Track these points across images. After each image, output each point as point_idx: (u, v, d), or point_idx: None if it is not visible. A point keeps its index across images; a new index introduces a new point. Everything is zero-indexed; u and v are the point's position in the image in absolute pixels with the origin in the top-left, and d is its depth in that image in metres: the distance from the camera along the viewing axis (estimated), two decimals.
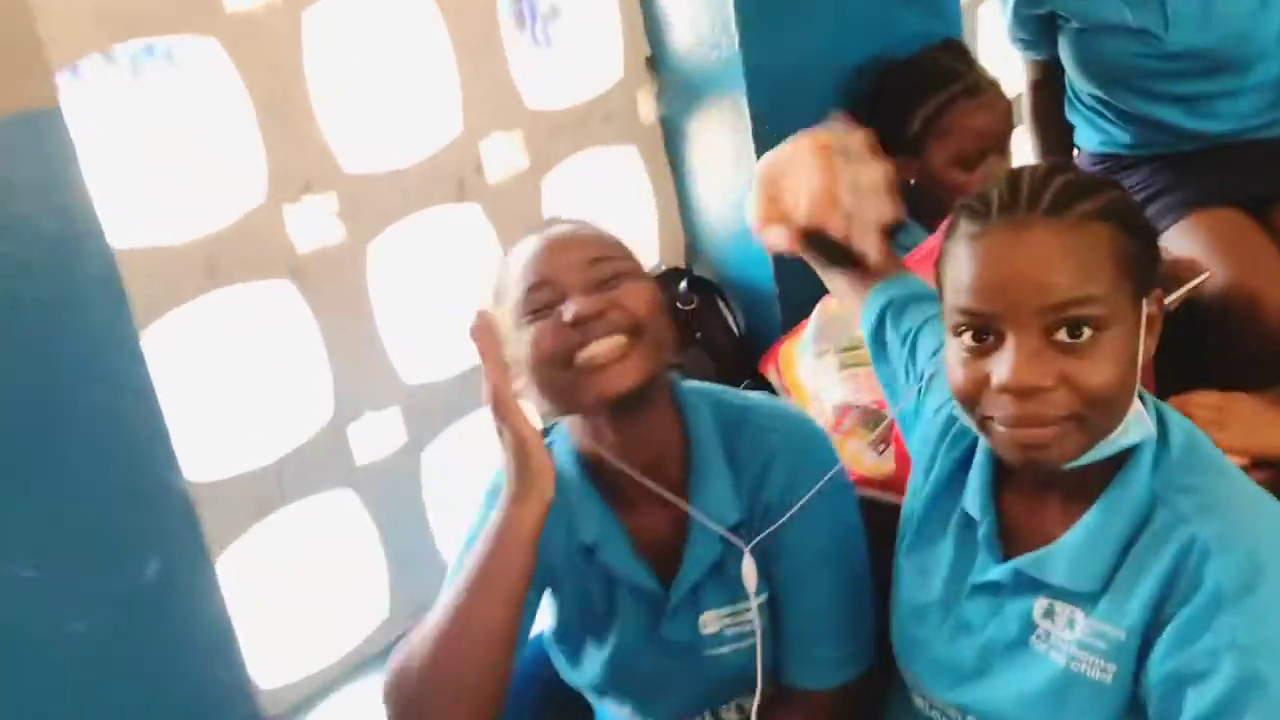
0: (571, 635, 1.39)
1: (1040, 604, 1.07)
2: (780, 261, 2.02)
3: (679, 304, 2.03)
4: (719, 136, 2.03)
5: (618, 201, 2.06)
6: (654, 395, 1.25)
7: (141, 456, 1.34)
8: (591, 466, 1.31)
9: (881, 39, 2.05)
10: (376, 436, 1.75)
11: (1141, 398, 1.06)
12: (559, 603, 1.38)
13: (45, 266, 1.23)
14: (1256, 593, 0.96)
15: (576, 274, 1.23)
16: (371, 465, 1.74)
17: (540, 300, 1.22)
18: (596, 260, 1.23)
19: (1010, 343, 0.99)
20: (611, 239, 1.28)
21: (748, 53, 1.94)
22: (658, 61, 2.05)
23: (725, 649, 1.32)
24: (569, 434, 1.32)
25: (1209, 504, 1.02)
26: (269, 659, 1.68)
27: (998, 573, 1.09)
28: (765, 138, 1.98)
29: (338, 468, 1.71)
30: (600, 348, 1.19)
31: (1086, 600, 1.04)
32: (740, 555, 1.28)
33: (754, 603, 1.28)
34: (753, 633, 1.30)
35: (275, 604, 2.02)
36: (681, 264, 2.15)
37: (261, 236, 1.60)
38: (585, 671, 1.38)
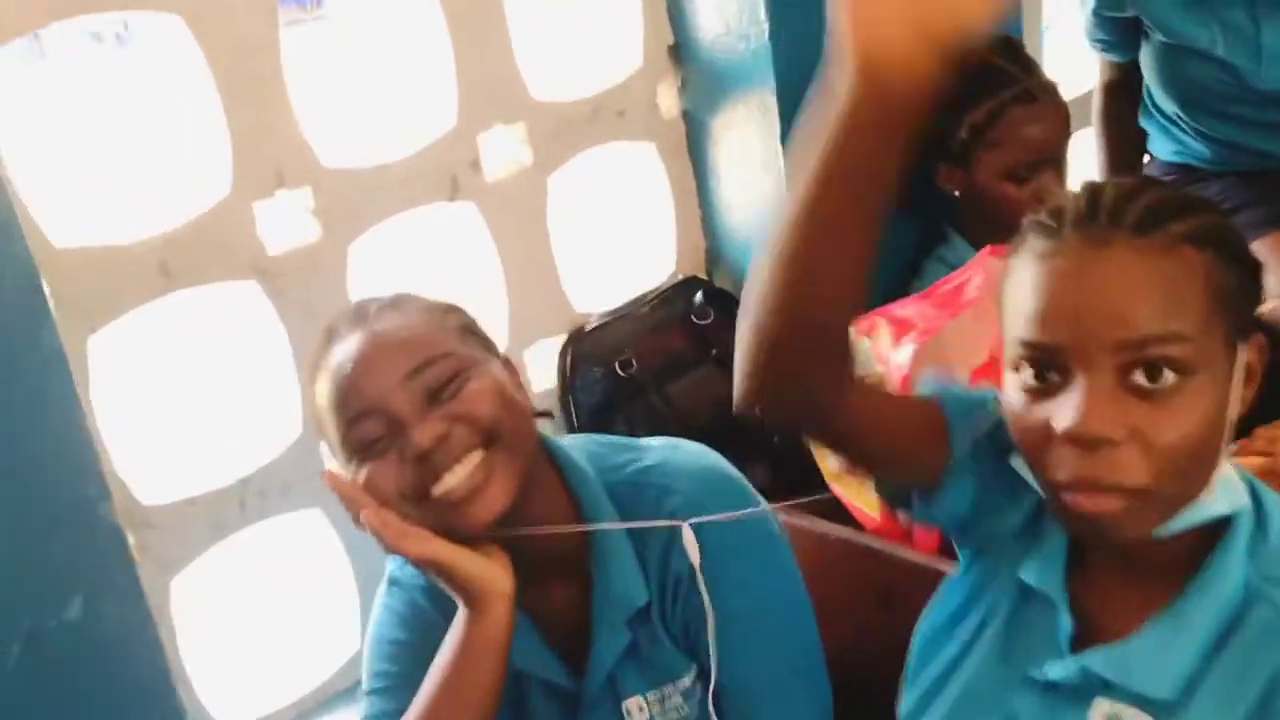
0: None
1: (1101, 707, 0.88)
2: None
3: (694, 317, 1.86)
4: (746, 135, 1.85)
5: (632, 204, 1.90)
6: (528, 488, 1.07)
7: (65, 482, 1.20)
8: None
9: None
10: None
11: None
12: None
13: None
14: None
15: (403, 394, 1.03)
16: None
17: (367, 435, 1.04)
18: (421, 368, 1.04)
19: (1078, 382, 0.82)
20: (432, 324, 1.08)
21: (779, 44, 1.76)
22: (681, 51, 1.88)
23: None
24: None
25: None
26: (227, 695, 1.55)
27: (1063, 670, 0.90)
28: (795, 142, 1.80)
29: (306, 487, 1.56)
30: (456, 479, 1.03)
31: (1166, 709, 0.86)
32: (654, 637, 1.14)
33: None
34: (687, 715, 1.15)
35: (235, 635, 1.88)
36: (701, 273, 1.97)
37: (226, 235, 1.45)
38: None
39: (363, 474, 1.04)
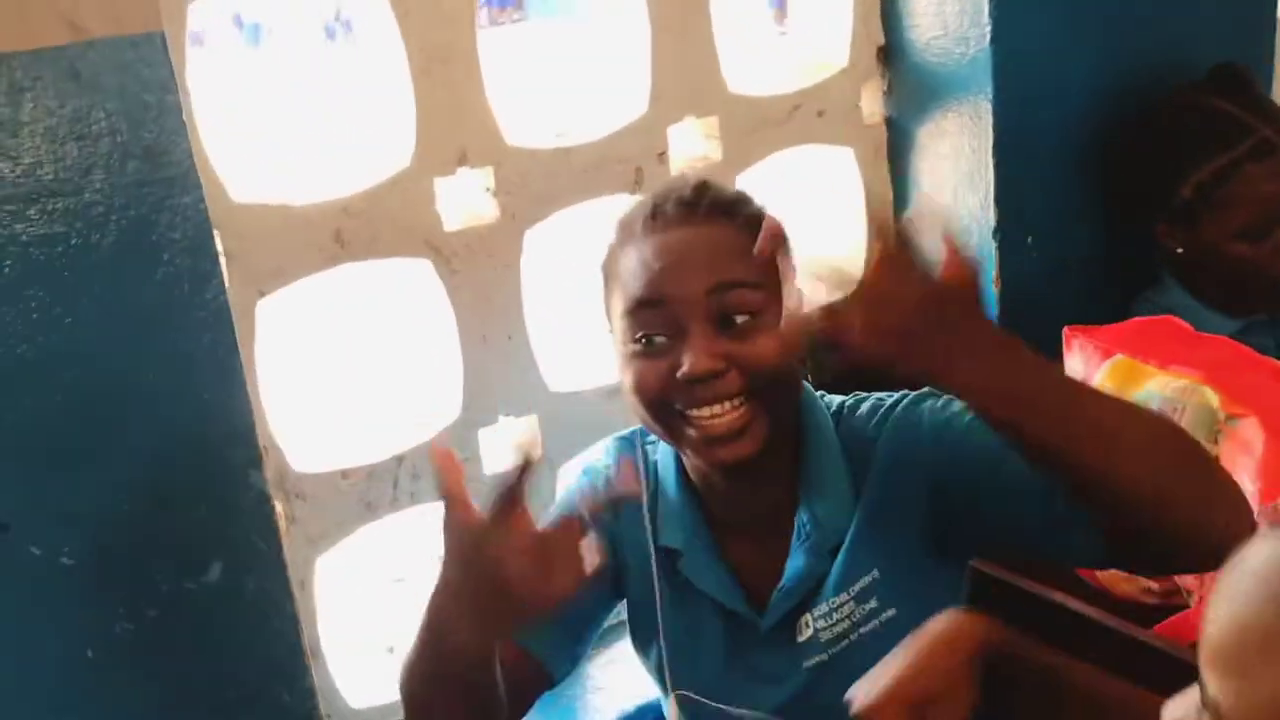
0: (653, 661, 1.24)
1: None
2: (1009, 304, 1.72)
3: None
4: (956, 146, 1.72)
5: (823, 209, 1.80)
6: (778, 441, 1.09)
7: (217, 447, 1.17)
8: (688, 477, 1.19)
9: (1168, 54, 1.70)
10: (510, 445, 1.54)
11: None
12: (633, 618, 1.25)
13: (123, 216, 1.07)
14: None
15: (695, 305, 1.04)
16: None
17: (649, 323, 1.06)
18: (725, 287, 1.04)
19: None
20: (745, 237, 1.05)
21: (1000, 51, 1.63)
22: (891, 53, 1.76)
23: (832, 651, 1.14)
24: None
25: None
26: (360, 679, 1.52)
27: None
28: (1008, 156, 1.67)
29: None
30: (714, 417, 1.04)
31: None
32: (845, 560, 1.13)
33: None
34: (866, 628, 1.13)
35: (374, 619, 1.86)
36: None
37: (402, 208, 1.41)
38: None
39: (631, 362, 1.07)
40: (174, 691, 1.19)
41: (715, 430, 1.05)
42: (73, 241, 1.06)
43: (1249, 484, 1.18)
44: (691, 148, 1.64)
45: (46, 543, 1.09)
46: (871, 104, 1.78)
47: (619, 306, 1.09)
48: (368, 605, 1.82)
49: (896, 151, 1.80)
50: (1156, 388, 1.31)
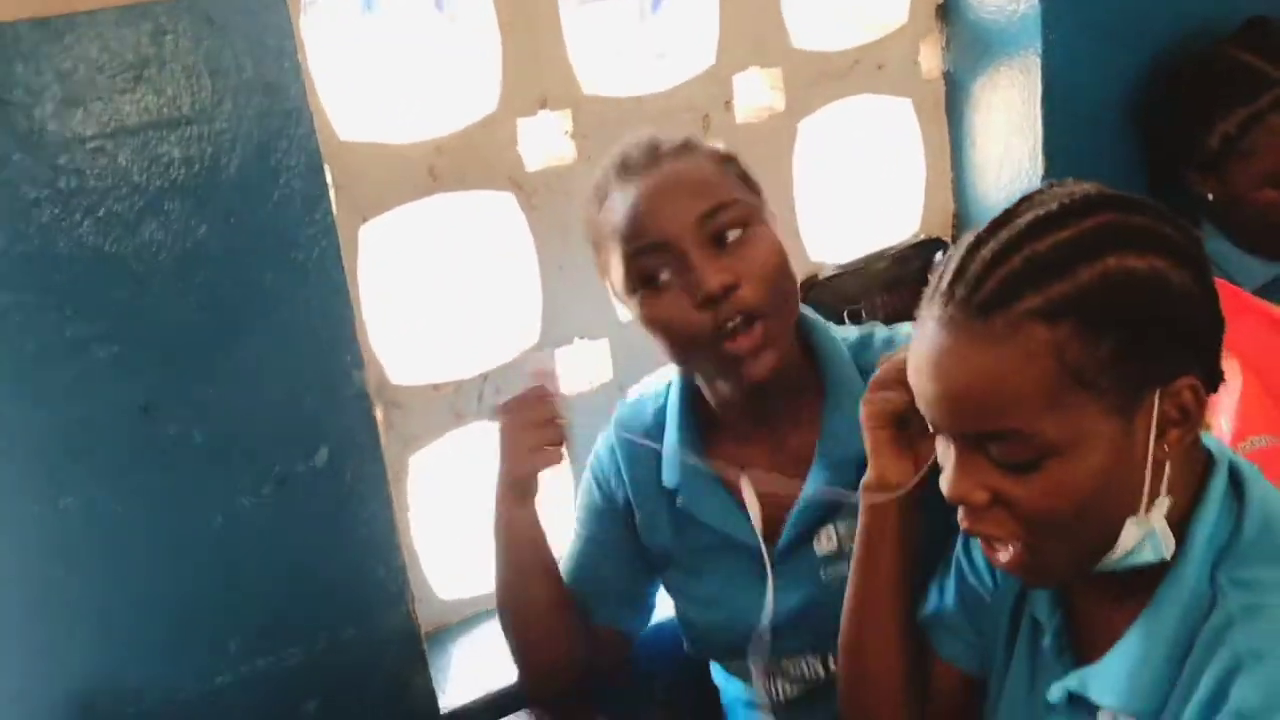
0: (676, 592, 1.37)
1: (1104, 717, 0.91)
2: None
3: (929, 275, 1.85)
4: (1008, 99, 1.83)
5: (882, 159, 1.91)
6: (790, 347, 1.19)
7: (325, 347, 1.34)
8: (698, 413, 1.28)
9: (1212, 9, 1.77)
10: (582, 367, 1.70)
11: (1217, 465, 0.88)
12: (655, 553, 1.36)
13: (248, 142, 1.25)
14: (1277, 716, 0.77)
15: (693, 234, 1.12)
16: (574, 396, 1.70)
17: (652, 266, 1.13)
18: (713, 211, 1.12)
19: (951, 453, 0.88)
20: (720, 170, 1.16)
21: (1048, 8, 1.73)
22: (949, 11, 1.87)
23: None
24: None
25: (1258, 604, 0.82)
26: (447, 569, 1.69)
27: (1057, 693, 0.94)
28: (1055, 108, 1.77)
29: None
30: (741, 342, 1.12)
31: (1145, 715, 0.87)
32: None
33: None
34: None
35: (462, 517, 2.03)
36: (945, 235, 1.96)
37: (489, 147, 1.57)
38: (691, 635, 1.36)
39: (645, 305, 1.15)
40: (286, 561, 1.37)
41: (742, 349, 1.12)
42: (206, 163, 1.24)
43: (1225, 422, 1.27)
44: (756, 97, 1.77)
45: (181, 423, 1.28)
46: (930, 59, 1.89)
47: (617, 262, 1.17)
48: (455, 505, 1.99)
49: (953, 104, 1.91)
50: None
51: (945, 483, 0.88)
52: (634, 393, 1.48)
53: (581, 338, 1.69)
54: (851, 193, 2.22)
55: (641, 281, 1.15)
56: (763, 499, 1.25)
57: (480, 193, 1.57)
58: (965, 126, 1.91)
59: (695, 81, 1.71)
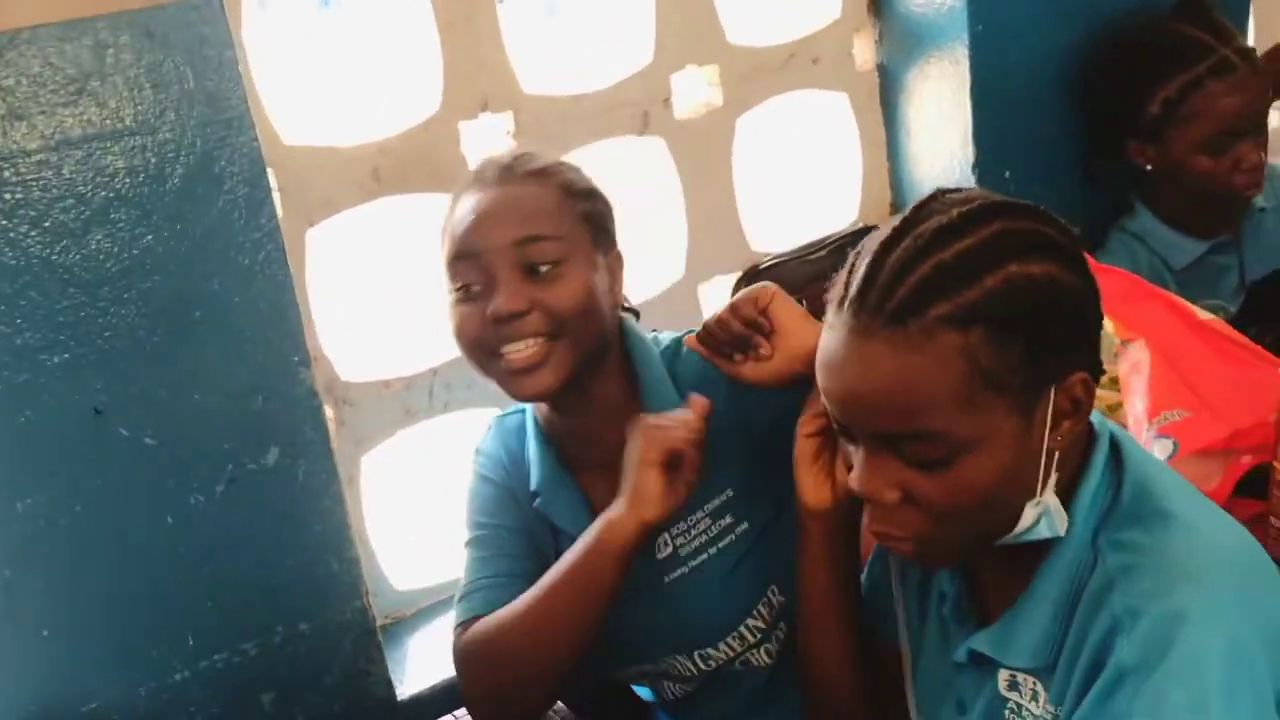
0: None
1: (1004, 676, 0.96)
2: None
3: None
4: (939, 90, 1.89)
5: (819, 151, 1.96)
6: (587, 376, 1.21)
7: (273, 348, 1.38)
8: (545, 426, 1.31)
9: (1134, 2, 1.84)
10: None
11: (1099, 438, 0.94)
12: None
13: (191, 151, 1.28)
14: (1157, 670, 0.81)
15: (505, 257, 1.16)
16: None
17: (465, 275, 1.18)
18: (528, 240, 1.16)
19: (860, 454, 0.91)
20: (551, 199, 1.19)
21: (975, 1, 1.78)
22: (880, 5, 1.92)
23: (691, 564, 1.27)
24: None
25: (1133, 564, 0.87)
26: (403, 562, 1.73)
27: (962, 653, 0.99)
28: (984, 97, 1.83)
29: (489, 386, 1.71)
30: (517, 352, 1.16)
31: (1044, 673, 0.93)
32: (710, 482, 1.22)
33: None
34: (725, 544, 1.26)
35: (412, 511, 2.07)
36: (882, 223, 2.01)
37: (432, 148, 1.61)
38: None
39: (453, 309, 1.20)
40: (240, 557, 1.40)
41: (517, 364, 1.17)
42: (150, 172, 1.27)
43: (1139, 402, 1.33)
44: (695, 94, 1.81)
45: (132, 425, 1.31)
46: (864, 52, 1.94)
47: (444, 261, 1.21)
48: (409, 497, 2.03)
49: (887, 96, 1.97)
50: None
51: (855, 481, 0.91)
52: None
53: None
54: (791, 184, 2.26)
55: (456, 286, 1.20)
56: (605, 504, 1.25)
57: (425, 195, 1.61)
58: (900, 117, 1.96)
59: (634, 79, 1.75)
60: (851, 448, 0.93)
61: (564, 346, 1.18)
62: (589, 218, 1.21)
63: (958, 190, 0.93)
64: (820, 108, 1.95)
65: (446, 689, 1.57)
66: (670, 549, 1.28)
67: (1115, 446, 0.95)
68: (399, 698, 1.55)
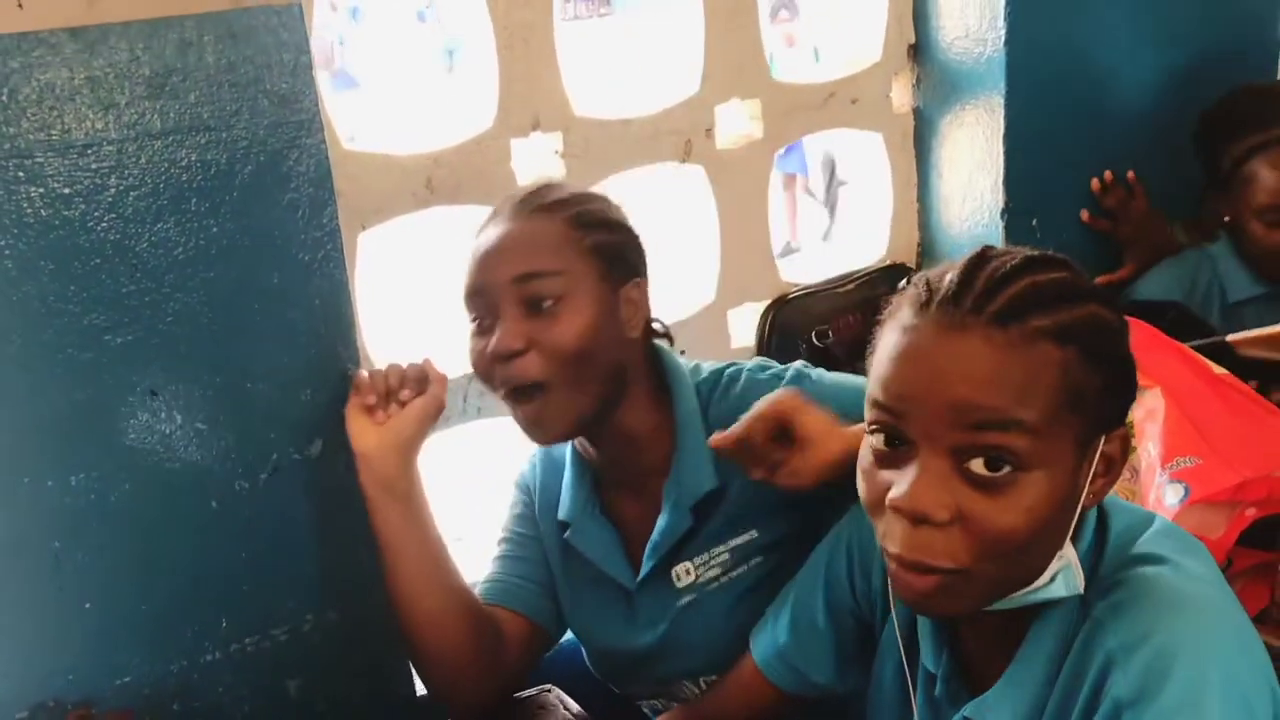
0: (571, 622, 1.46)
1: None
2: None
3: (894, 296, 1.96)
4: (972, 135, 1.95)
5: (853, 189, 2.02)
6: (607, 411, 1.25)
7: (325, 344, 1.42)
8: (582, 450, 1.36)
9: (1171, 58, 1.90)
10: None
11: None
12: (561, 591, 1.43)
13: (261, 150, 1.33)
14: (1155, 702, 0.83)
15: (505, 292, 1.21)
16: None
17: (476, 309, 1.24)
18: (528, 277, 1.20)
19: (919, 457, 0.87)
20: (554, 234, 1.22)
21: (1014, 51, 1.85)
22: (921, 50, 1.98)
23: (702, 591, 1.32)
24: None
25: (1122, 602, 0.88)
26: None
27: None
28: (1016, 146, 1.89)
29: None
30: (520, 410, 1.22)
31: None
32: (714, 520, 1.28)
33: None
34: (738, 574, 1.30)
35: (447, 511, 2.12)
36: (911, 263, 2.07)
37: (484, 163, 1.67)
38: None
39: (469, 341, 1.26)
40: (277, 544, 1.44)
41: (519, 418, 1.24)
42: (221, 167, 1.32)
43: (1153, 447, 1.38)
44: (736, 126, 1.87)
45: (185, 409, 1.35)
46: (902, 95, 2.00)
47: (461, 294, 1.28)
48: (440, 500, 2.07)
49: (922, 139, 2.03)
50: None
51: (905, 496, 0.86)
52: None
53: None
54: (824, 219, 2.32)
55: (471, 319, 1.26)
56: (635, 537, 1.34)
57: (474, 207, 1.66)
58: (932, 160, 2.02)
59: (680, 108, 1.81)
60: (890, 471, 0.89)
61: (562, 396, 1.21)
62: (600, 250, 1.24)
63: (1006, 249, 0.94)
64: (857, 147, 2.00)
65: None
66: (690, 579, 1.33)
67: (1100, 506, 0.97)
68: (419, 692, 1.59)
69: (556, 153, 1.72)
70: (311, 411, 1.43)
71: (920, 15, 1.96)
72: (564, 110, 1.71)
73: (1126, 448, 0.92)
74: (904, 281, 0.99)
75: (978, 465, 0.85)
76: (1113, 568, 0.93)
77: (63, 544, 1.32)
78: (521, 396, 1.23)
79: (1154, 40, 1.93)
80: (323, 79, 1.47)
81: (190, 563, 1.40)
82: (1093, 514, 0.96)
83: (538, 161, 1.71)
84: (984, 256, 0.91)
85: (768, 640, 1.23)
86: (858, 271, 1.99)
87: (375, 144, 1.59)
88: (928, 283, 0.90)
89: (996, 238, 1.92)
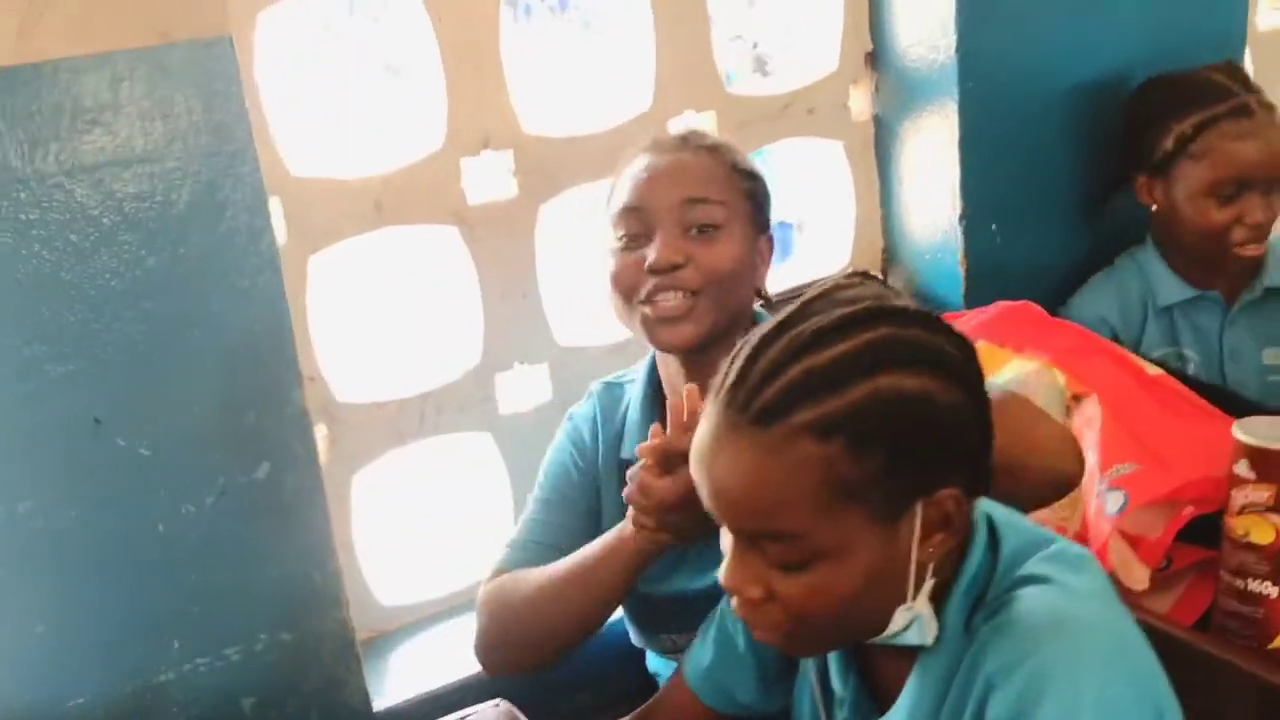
0: None
1: None
2: (972, 282, 1.92)
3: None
4: (931, 141, 1.94)
5: (814, 197, 2.02)
6: (721, 338, 1.28)
7: (267, 367, 1.44)
8: (660, 390, 1.40)
9: (1121, 60, 1.89)
10: (522, 389, 1.81)
11: (977, 525, 0.96)
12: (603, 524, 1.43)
13: (196, 180, 1.35)
14: None
15: (668, 213, 1.28)
16: (514, 416, 1.80)
17: (631, 227, 1.30)
18: (694, 201, 1.27)
19: (731, 548, 0.93)
20: (720, 171, 1.30)
21: (966, 56, 1.84)
22: (878, 58, 1.98)
23: None
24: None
25: (1002, 625, 0.89)
26: (390, 578, 1.79)
27: None
28: (971, 150, 1.88)
29: (480, 412, 1.78)
30: (665, 302, 1.27)
31: None
32: None
33: None
34: None
35: (400, 529, 2.14)
36: (874, 270, 2.07)
37: (434, 183, 1.68)
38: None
39: (614, 257, 1.31)
40: (227, 566, 1.46)
41: (664, 312, 1.28)
42: (156, 198, 1.34)
43: (1092, 455, 1.37)
44: None
45: (130, 436, 1.38)
46: (860, 103, 2.00)
47: (612, 208, 1.34)
48: (397, 518, 2.10)
49: (882, 146, 2.03)
50: (1012, 371, 1.50)
51: (722, 574, 0.93)
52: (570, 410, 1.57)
53: (521, 362, 1.79)
54: (786, 228, 2.33)
55: (619, 236, 1.31)
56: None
57: (425, 226, 1.68)
58: (893, 167, 2.02)
59: (633, 124, 1.81)
60: (726, 536, 0.95)
61: (707, 303, 1.28)
62: (751, 196, 1.33)
63: (862, 282, 0.96)
64: (817, 156, 2.01)
65: (423, 703, 1.62)
66: None
67: (993, 527, 0.98)
68: (375, 709, 1.60)
69: (510, 171, 1.73)
70: (256, 435, 1.45)
71: (877, 23, 1.96)
72: (514, 128, 1.73)
73: (959, 505, 0.90)
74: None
75: (775, 551, 0.89)
76: (999, 590, 0.94)
77: (8, 571, 1.35)
78: (670, 295, 1.29)
79: (1106, 44, 1.92)
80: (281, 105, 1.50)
81: (139, 587, 1.42)
82: (983, 537, 0.96)
83: (489, 180, 1.73)
84: (779, 329, 0.89)
85: (697, 659, 1.24)
86: (822, 280, 1.98)
87: (322, 168, 1.60)
88: (726, 366, 0.92)
89: (957, 243, 1.91)
